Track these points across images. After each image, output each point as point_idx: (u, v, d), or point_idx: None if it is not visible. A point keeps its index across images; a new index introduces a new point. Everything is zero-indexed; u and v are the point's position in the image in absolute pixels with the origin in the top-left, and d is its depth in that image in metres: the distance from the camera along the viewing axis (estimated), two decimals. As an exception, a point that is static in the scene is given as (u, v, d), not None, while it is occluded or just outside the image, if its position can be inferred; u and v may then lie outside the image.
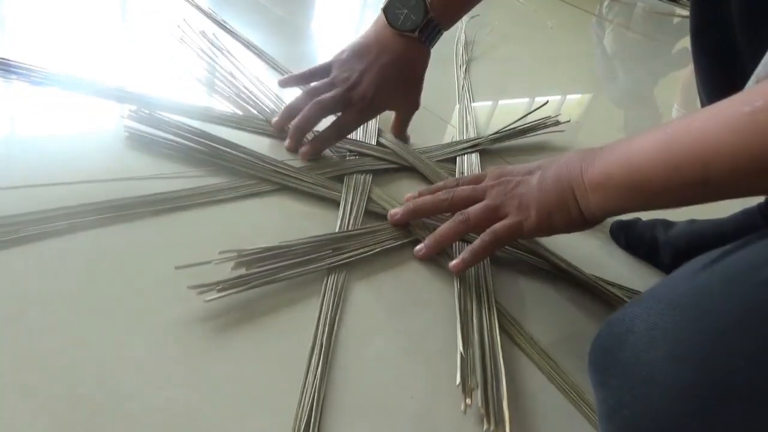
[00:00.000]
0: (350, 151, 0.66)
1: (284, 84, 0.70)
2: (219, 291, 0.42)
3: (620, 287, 0.58)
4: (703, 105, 0.57)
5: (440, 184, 0.57)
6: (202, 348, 0.40)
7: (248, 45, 0.85)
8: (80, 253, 0.44)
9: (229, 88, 0.72)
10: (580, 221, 0.46)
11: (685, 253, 0.60)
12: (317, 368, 0.40)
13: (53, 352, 0.36)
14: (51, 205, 0.46)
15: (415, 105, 0.70)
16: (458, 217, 0.51)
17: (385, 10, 0.62)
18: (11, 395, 0.33)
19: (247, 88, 0.72)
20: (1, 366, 0.35)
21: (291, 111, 0.63)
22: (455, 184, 0.54)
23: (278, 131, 0.65)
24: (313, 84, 0.65)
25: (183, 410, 0.36)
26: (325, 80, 0.64)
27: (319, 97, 0.61)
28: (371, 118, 0.68)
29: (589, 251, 0.62)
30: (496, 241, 0.49)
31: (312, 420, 0.37)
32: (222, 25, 0.88)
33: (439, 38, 0.65)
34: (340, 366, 0.42)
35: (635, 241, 0.64)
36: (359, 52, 0.63)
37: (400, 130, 0.71)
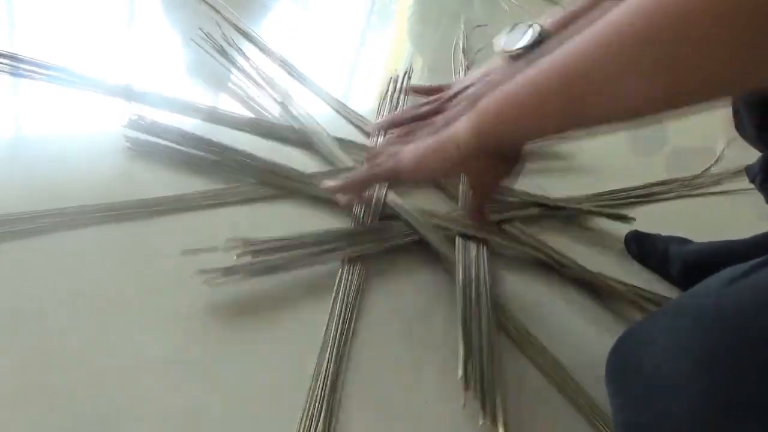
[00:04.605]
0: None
1: None
2: (224, 275, 0.43)
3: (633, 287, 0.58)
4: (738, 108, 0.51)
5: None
6: (218, 349, 0.40)
7: (259, 46, 0.84)
8: (88, 254, 0.44)
9: (238, 88, 0.71)
10: (455, 154, 0.42)
11: (694, 269, 0.60)
12: (330, 371, 0.40)
13: (74, 352, 0.36)
14: (52, 206, 0.45)
15: None
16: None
17: None
18: (35, 394, 0.34)
19: (256, 90, 0.71)
20: (23, 365, 0.35)
21: None
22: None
23: None
24: None
25: (199, 411, 0.35)
26: None
27: None
28: None
29: (601, 265, 0.62)
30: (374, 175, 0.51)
31: (327, 420, 0.37)
32: (234, 25, 0.88)
33: None
34: (355, 368, 0.42)
35: (647, 252, 0.64)
36: None
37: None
